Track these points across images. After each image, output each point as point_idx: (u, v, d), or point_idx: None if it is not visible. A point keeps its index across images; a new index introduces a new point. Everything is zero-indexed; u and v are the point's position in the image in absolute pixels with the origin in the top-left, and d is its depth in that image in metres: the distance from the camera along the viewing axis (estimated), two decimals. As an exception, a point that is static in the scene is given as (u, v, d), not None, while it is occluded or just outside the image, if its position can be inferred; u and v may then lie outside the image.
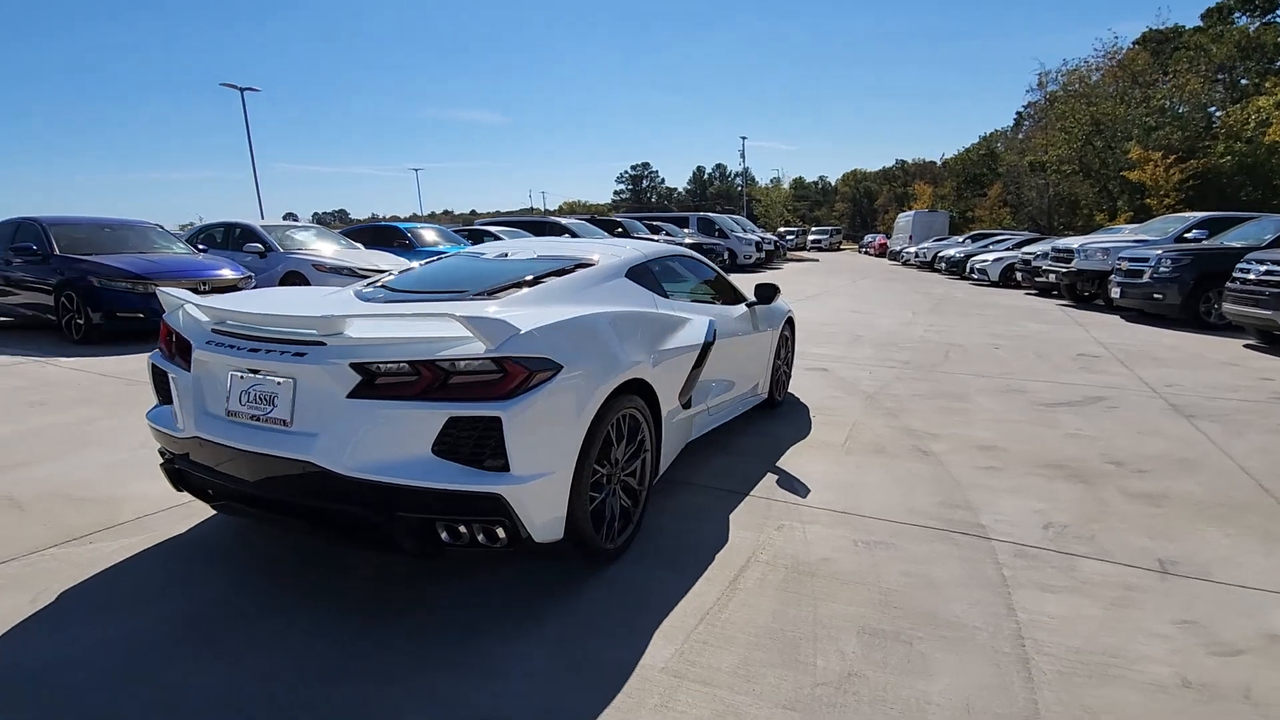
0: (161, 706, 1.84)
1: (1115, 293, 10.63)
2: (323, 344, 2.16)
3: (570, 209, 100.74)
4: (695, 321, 3.45)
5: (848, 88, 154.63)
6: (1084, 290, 12.75)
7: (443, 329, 2.15)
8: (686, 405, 3.24)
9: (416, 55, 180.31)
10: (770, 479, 3.57)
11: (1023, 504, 3.26)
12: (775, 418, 4.73)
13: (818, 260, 31.62)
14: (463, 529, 2.12)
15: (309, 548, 2.75)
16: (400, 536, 2.13)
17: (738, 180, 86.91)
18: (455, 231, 14.71)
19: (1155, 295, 9.79)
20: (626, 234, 18.63)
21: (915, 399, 5.26)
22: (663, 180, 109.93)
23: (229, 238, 10.14)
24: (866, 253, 41.22)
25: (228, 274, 8.04)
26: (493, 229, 15.20)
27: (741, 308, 4.27)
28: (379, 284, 3.26)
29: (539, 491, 2.16)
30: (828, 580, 2.54)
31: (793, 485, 3.48)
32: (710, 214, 23.72)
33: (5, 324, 8.72)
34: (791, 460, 3.87)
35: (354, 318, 2.20)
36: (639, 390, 2.73)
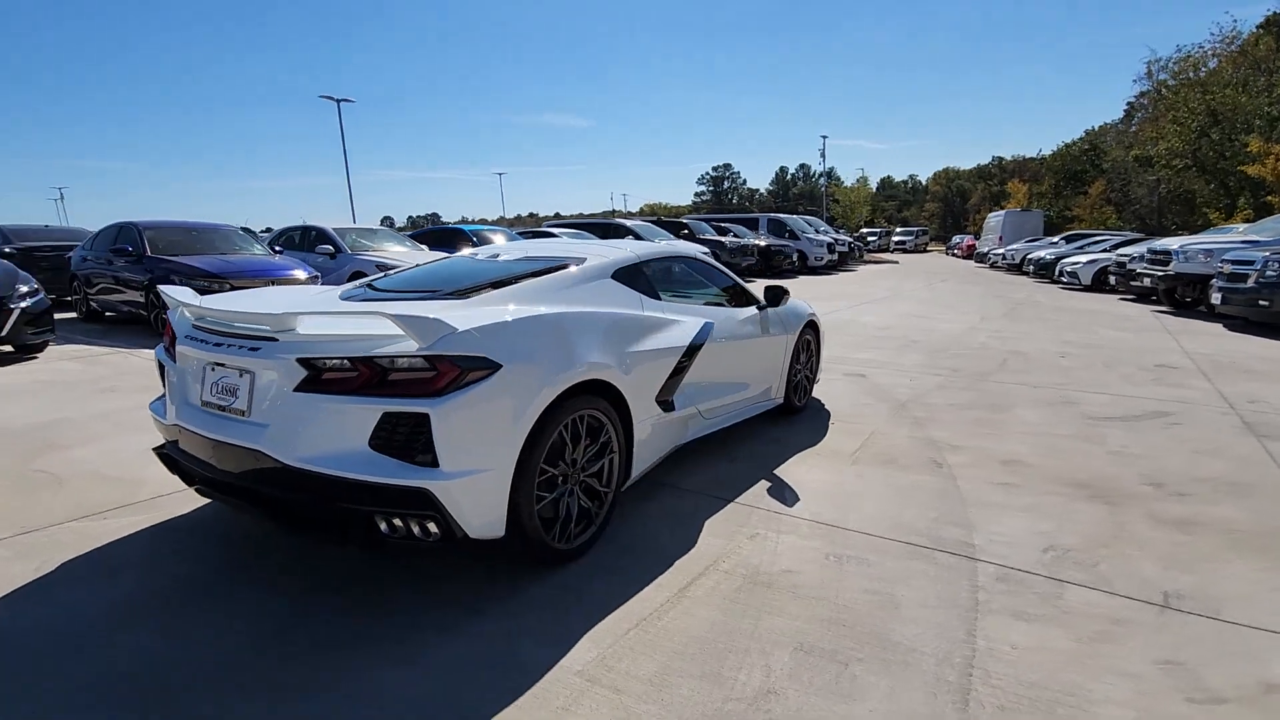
0: (104, 670, 1.99)
1: (1216, 298, 9.70)
2: (275, 339, 2.27)
3: (650, 211, 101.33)
4: (684, 324, 3.40)
5: (941, 84, 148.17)
6: (1184, 296, 11.69)
7: (386, 327, 2.21)
8: (669, 408, 3.20)
9: (505, 64, 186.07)
10: (762, 486, 3.47)
11: (1029, 524, 3.03)
12: (790, 423, 4.59)
13: (898, 263, 30.43)
14: (398, 522, 2.17)
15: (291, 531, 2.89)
16: (343, 528, 2.21)
17: (822, 180, 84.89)
18: (521, 233, 15.09)
19: (1261, 302, 8.86)
20: (692, 235, 18.55)
21: (950, 409, 4.98)
22: (744, 181, 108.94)
23: (304, 240, 10.79)
24: (954, 254, 39.34)
25: (298, 274, 8.54)
26: (555, 230, 15.49)
27: (750, 310, 4.17)
28: (366, 284, 3.39)
29: (471, 488, 2.19)
30: (783, 593, 2.45)
31: (783, 493, 3.37)
32: (781, 215, 23.25)
33: (111, 319, 9.61)
34: (792, 468, 3.75)
35: (306, 315, 2.30)
36: (602, 391, 2.72)
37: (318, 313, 2.32)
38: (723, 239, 18.54)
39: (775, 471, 3.68)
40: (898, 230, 50.63)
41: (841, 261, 24.05)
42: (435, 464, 2.13)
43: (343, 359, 2.16)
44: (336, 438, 2.16)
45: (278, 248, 10.25)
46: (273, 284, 8.14)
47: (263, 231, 14.93)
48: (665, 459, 3.46)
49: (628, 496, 3.28)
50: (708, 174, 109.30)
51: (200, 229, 9.29)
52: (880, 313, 11.11)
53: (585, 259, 3.34)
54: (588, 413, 2.64)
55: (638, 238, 16.36)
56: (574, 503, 2.64)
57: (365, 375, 2.16)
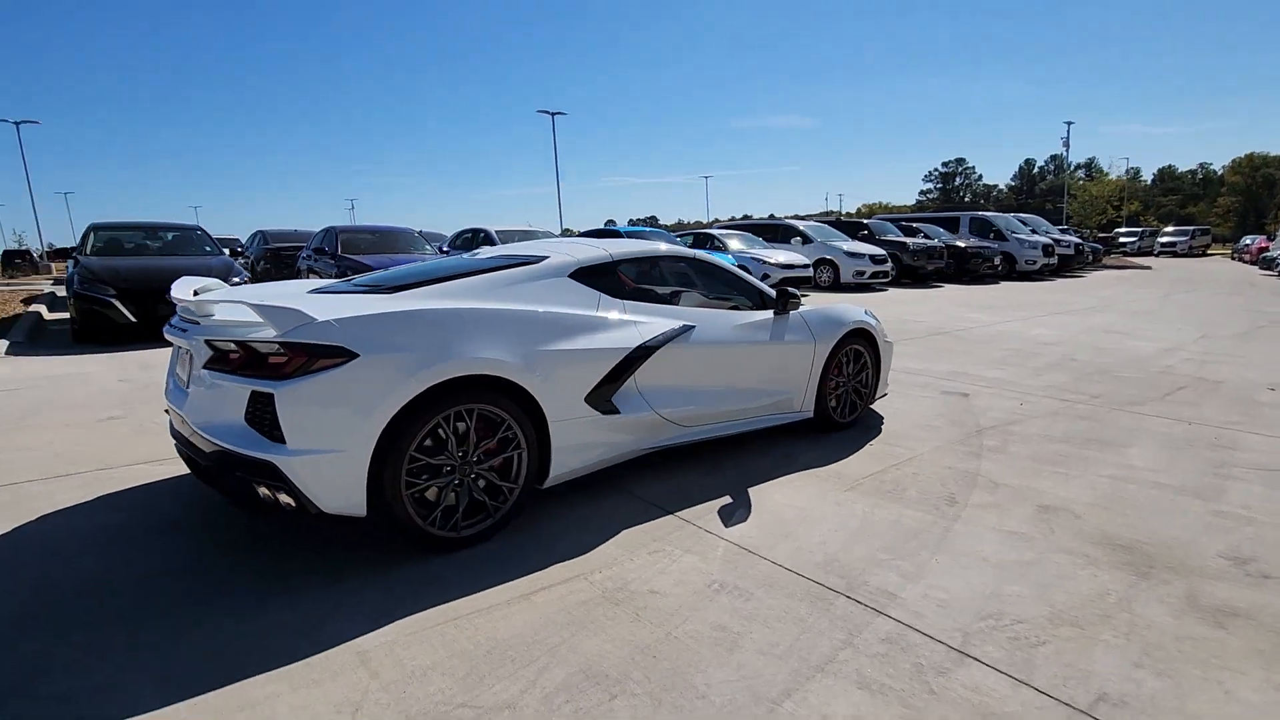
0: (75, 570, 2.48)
1: None
2: (197, 323, 2.64)
3: (869, 211, 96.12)
4: (643, 325, 3.30)
5: (1246, 53, 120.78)
6: None
7: (256, 314, 2.47)
8: (610, 410, 3.12)
9: (731, 69, 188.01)
10: (720, 502, 3.24)
11: (992, 584, 2.49)
12: (819, 440, 4.19)
13: (1150, 268, 25.59)
14: (266, 491, 2.42)
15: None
16: (239, 494, 2.51)
17: (1079, 173, 73.86)
18: (683, 235, 15.31)
19: None
20: (871, 235, 17.34)
21: (1036, 440, 4.19)
22: (979, 176, 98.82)
23: (474, 241, 12.01)
24: (1241, 259, 32.04)
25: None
26: (716, 232, 15.46)
27: (757, 315, 3.89)
28: (351, 281, 3.72)
29: (320, 466, 2.37)
30: (626, 613, 2.30)
31: (733, 513, 3.12)
32: (988, 214, 20.72)
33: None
34: (774, 487, 3.44)
35: (221, 303, 2.65)
36: (502, 387, 2.75)
37: (231, 301, 2.65)
38: (906, 240, 17.08)
39: (750, 489, 3.41)
40: (1168, 230, 42.45)
41: (1065, 265, 20.85)
42: (282, 440, 2.35)
43: (230, 341, 2.46)
44: (225, 410, 2.47)
45: (445, 248, 11.53)
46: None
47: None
48: (636, 460, 3.38)
49: (566, 495, 3.27)
50: (936, 170, 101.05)
51: (384, 231, 10.77)
52: (1061, 326, 9.52)
53: (548, 258, 3.38)
54: (479, 407, 2.70)
55: (806, 239, 15.75)
56: (464, 494, 2.72)
57: (243, 356, 2.43)
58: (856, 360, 4.44)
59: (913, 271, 16.84)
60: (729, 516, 3.08)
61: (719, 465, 3.73)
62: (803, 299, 4.19)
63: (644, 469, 3.64)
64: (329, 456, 2.38)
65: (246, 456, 2.37)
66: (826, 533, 2.92)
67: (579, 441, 3.06)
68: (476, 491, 2.76)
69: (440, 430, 2.62)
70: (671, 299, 3.73)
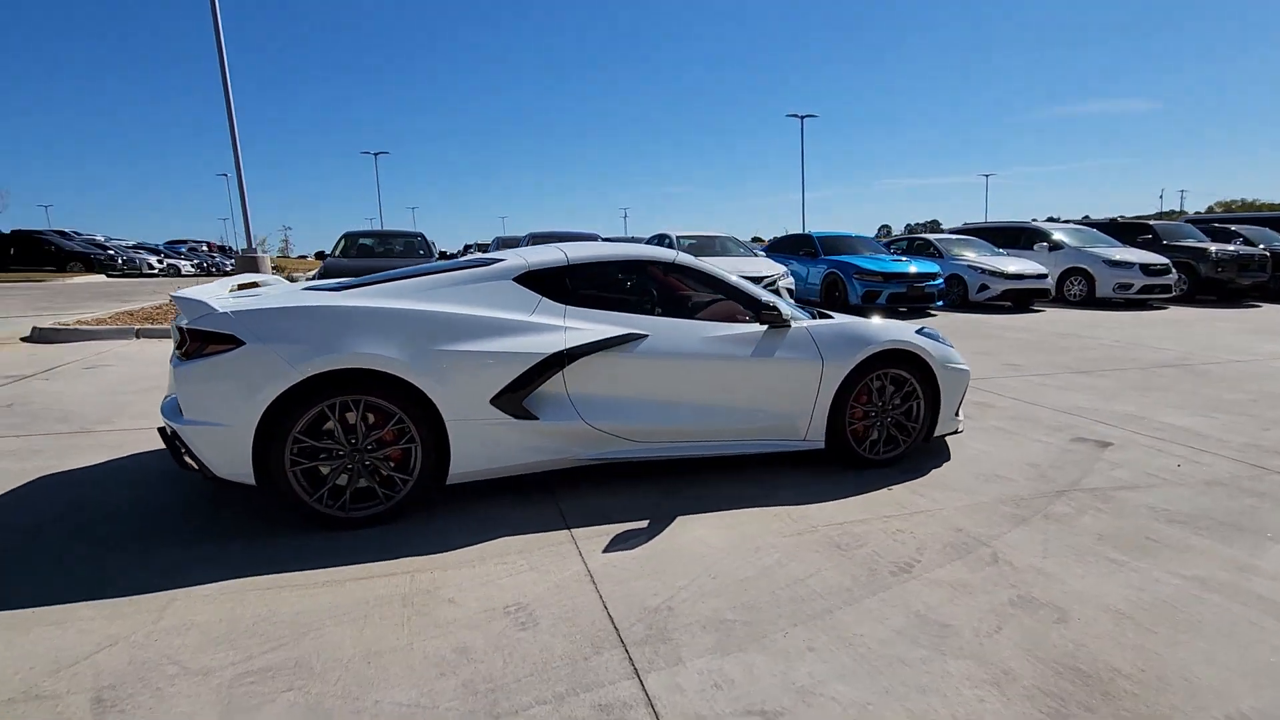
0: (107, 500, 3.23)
1: None
2: (180, 313, 3.20)
3: (1223, 209, 77.19)
4: (574, 331, 3.19)
5: None
6: None
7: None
8: (523, 415, 3.08)
9: (1031, 55, 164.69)
10: (631, 526, 2.99)
11: (812, 683, 1.96)
12: (828, 476, 3.60)
13: None
14: (184, 455, 2.86)
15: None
16: (176, 458, 2.95)
17: None
18: (892, 241, 13.95)
19: None
20: (1156, 240, 13.95)
21: (1143, 513, 3.12)
22: None
23: (660, 244, 12.36)
24: None
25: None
26: (935, 237, 13.75)
27: (741, 328, 3.48)
28: (342, 280, 4.04)
29: (209, 436, 2.74)
30: (404, 615, 2.28)
31: (627, 539, 2.86)
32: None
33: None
34: (707, 519, 3.07)
35: (182, 299, 3.14)
36: (392, 383, 2.88)
37: (179, 297, 3.12)
38: (1207, 246, 13.45)
39: (681, 517, 3.09)
40: None
41: None
42: (181, 412, 2.76)
43: (178, 328, 2.95)
44: (173, 386, 2.98)
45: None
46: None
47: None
48: (587, 470, 3.31)
49: (492, 493, 3.29)
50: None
51: (574, 236, 11.57)
52: (1394, 366, 6.78)
53: (502, 261, 3.42)
54: (367, 399, 2.87)
55: (1055, 246, 13.41)
56: (354, 479, 2.91)
57: (181, 340, 2.90)
58: (899, 388, 3.72)
59: (1218, 286, 13.21)
60: (622, 542, 2.84)
61: (681, 488, 3.43)
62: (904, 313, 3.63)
63: (592, 480, 3.50)
64: (216, 429, 2.75)
65: (167, 425, 2.84)
66: (702, 577, 2.55)
67: (486, 443, 3.07)
68: (367, 478, 2.93)
69: (328, 417, 2.84)
70: (638, 306, 3.51)
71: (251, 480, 2.82)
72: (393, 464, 2.97)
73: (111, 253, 28.01)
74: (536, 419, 3.12)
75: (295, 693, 1.90)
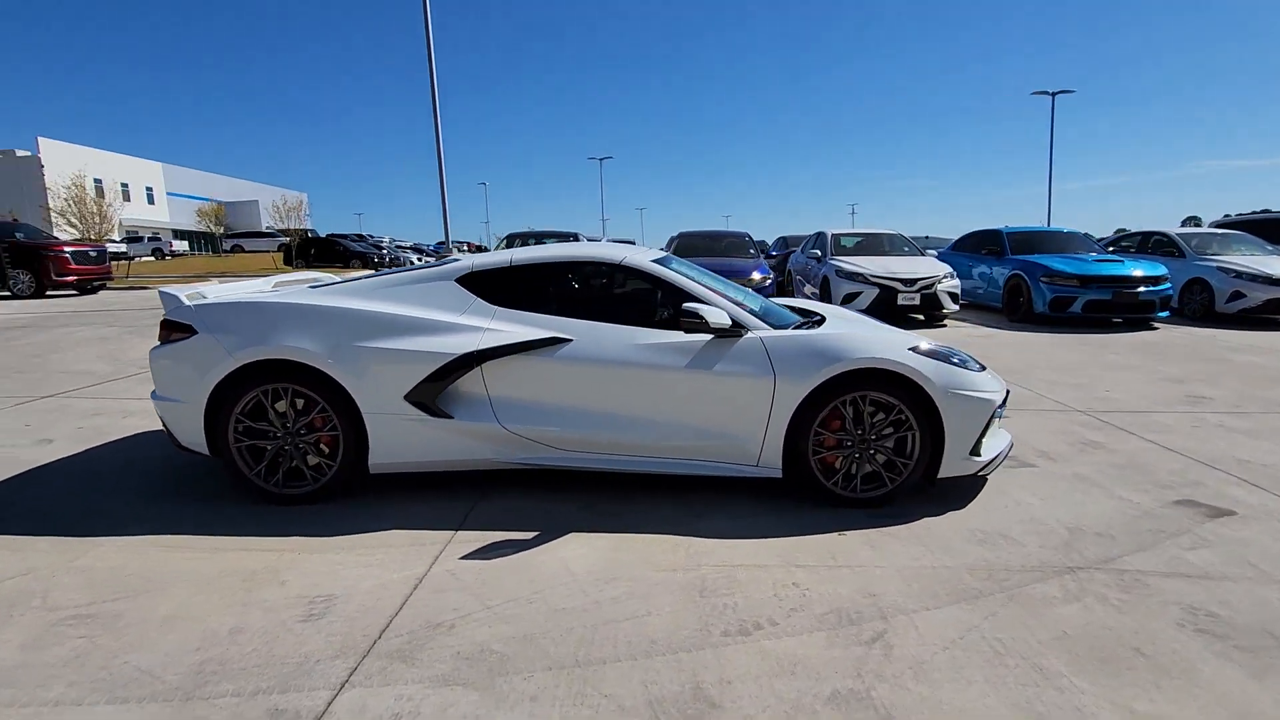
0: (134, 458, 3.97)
1: None
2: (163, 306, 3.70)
3: None
4: (491, 333, 3.18)
5: None
6: None
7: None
8: (435, 413, 3.12)
9: None
10: (513, 536, 2.90)
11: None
12: (783, 510, 3.13)
13: None
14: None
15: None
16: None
17: None
18: (1122, 237, 11.50)
19: None
20: None
21: (1142, 606, 2.28)
22: None
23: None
24: None
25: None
26: (1177, 232, 11.03)
27: (681, 336, 3.15)
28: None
29: (172, 410, 3.20)
30: (238, 597, 2.46)
31: (488, 552, 2.77)
32: None
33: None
34: (584, 541, 2.85)
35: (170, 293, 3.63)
36: (316, 375, 3.11)
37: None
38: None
39: (577, 534, 2.91)
40: None
41: None
42: (155, 389, 3.25)
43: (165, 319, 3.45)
44: None
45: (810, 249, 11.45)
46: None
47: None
48: (524, 475, 3.31)
49: (427, 487, 3.38)
50: None
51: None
52: None
53: (457, 261, 3.49)
54: (293, 387, 3.13)
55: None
56: (286, 460, 3.20)
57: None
58: (886, 415, 3.10)
59: None
60: (486, 552, 2.75)
61: (604, 503, 3.23)
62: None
63: (523, 485, 3.43)
64: (177, 405, 3.20)
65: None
66: (519, 601, 2.39)
67: (401, 437, 3.17)
68: (299, 460, 3.20)
69: (262, 402, 3.16)
70: (577, 309, 3.34)
71: (206, 451, 3.23)
72: (325, 450, 3.21)
73: (384, 251, 33.60)
74: (451, 417, 3.15)
75: (84, 640, 2.16)
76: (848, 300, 9.51)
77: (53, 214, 28.00)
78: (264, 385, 3.14)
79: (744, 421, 3.13)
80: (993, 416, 3.20)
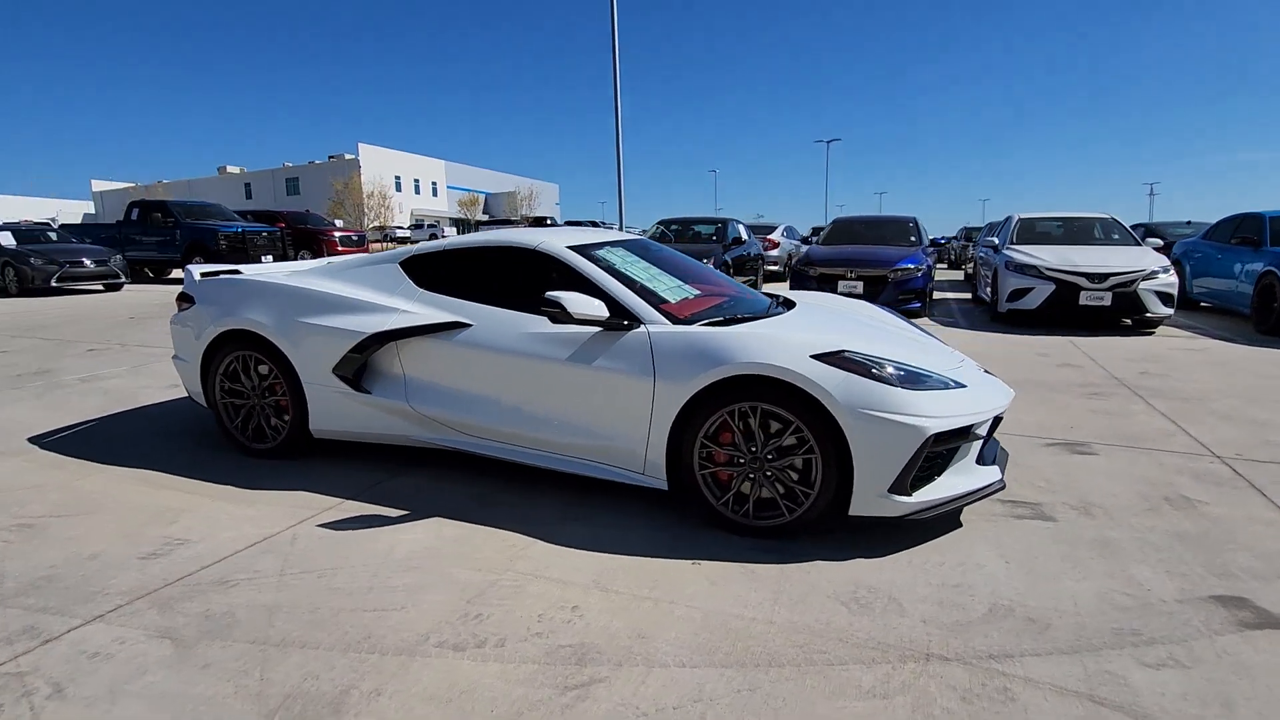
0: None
1: None
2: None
3: None
4: (402, 314, 3.28)
5: None
6: None
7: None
8: (356, 388, 3.30)
9: None
10: (383, 511, 2.98)
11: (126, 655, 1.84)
12: (693, 531, 2.80)
13: None
14: (189, 377, 4.00)
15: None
16: None
17: None
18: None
19: None
20: None
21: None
22: None
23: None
24: None
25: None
26: None
27: (563, 327, 2.94)
28: None
29: (181, 367, 3.81)
30: (124, 527, 2.88)
31: (348, 524, 2.88)
32: None
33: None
34: (443, 528, 2.82)
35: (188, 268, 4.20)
36: (265, 344, 3.47)
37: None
38: None
39: (440, 519, 2.91)
40: None
41: None
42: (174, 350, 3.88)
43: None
44: None
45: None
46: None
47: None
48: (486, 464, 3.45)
49: (348, 453, 3.59)
50: None
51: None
52: None
53: (414, 246, 3.63)
54: (255, 355, 3.52)
55: None
56: (253, 419, 3.63)
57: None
58: (786, 432, 2.61)
59: None
60: (338, 525, 2.85)
61: (501, 495, 3.17)
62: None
63: (441, 466, 3.47)
64: (183, 363, 3.79)
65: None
66: (291, 569, 2.47)
67: (334, 407, 3.40)
68: (262, 419, 3.62)
69: (236, 366, 3.61)
70: (491, 295, 3.25)
71: (204, 403, 3.80)
72: (284, 413, 3.58)
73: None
74: (370, 393, 3.32)
75: (1, 545, 2.70)
76: (1015, 298, 8.03)
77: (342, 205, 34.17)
78: (236, 352, 3.59)
79: (627, 424, 2.85)
80: (937, 446, 2.53)
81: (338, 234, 18.95)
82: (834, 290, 8.35)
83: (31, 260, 12.81)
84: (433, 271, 3.44)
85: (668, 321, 2.92)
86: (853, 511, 2.58)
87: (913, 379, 2.63)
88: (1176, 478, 3.33)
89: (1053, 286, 7.75)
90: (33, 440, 4.00)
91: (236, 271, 3.89)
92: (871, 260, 8.69)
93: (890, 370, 2.60)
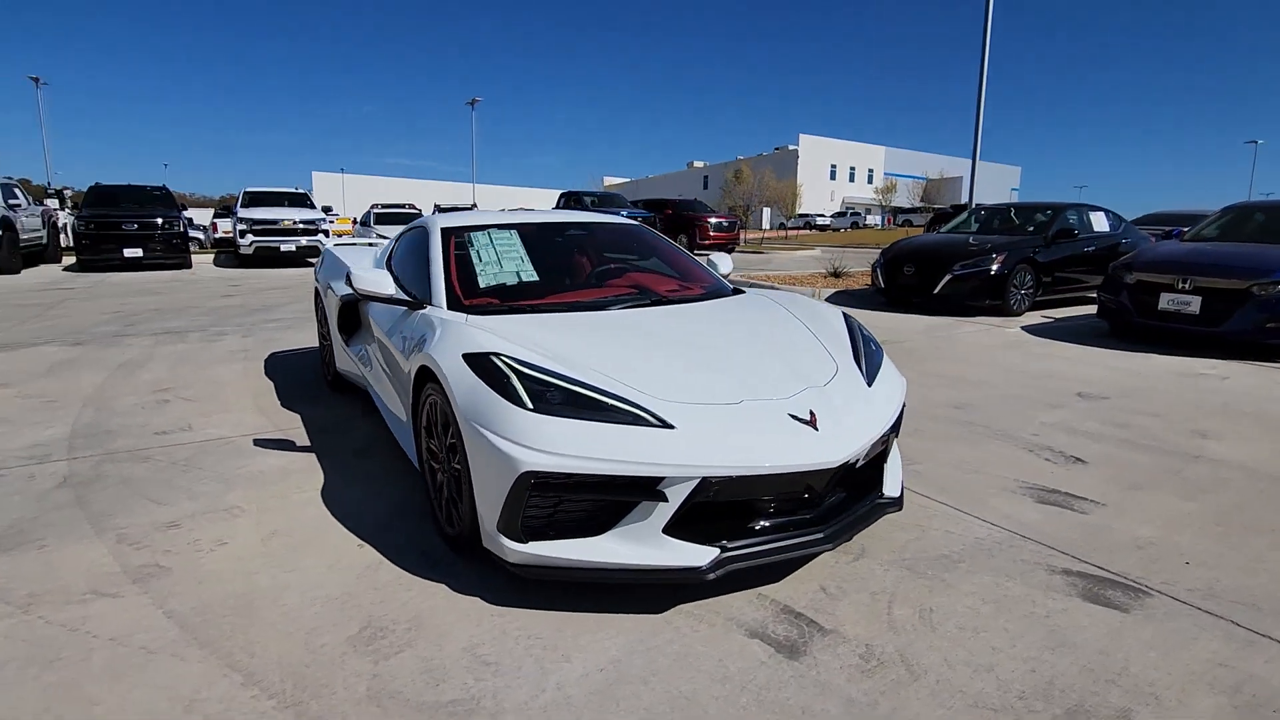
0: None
1: None
2: None
3: None
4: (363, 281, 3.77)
5: None
6: None
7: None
8: (348, 341, 3.98)
9: None
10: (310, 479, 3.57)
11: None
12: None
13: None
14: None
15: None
16: None
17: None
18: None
19: None
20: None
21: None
22: None
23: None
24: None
25: None
26: None
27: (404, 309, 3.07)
28: None
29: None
30: (91, 467, 4.11)
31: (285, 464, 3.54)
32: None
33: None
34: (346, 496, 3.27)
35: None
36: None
37: None
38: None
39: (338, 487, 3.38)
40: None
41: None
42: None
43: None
44: None
45: None
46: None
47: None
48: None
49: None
50: None
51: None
52: None
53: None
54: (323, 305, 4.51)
55: None
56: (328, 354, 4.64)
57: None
58: (448, 432, 2.31)
59: None
60: (279, 470, 3.54)
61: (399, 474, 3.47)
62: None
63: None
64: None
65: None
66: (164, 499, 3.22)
67: (340, 353, 4.14)
68: (329, 355, 4.59)
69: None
70: (405, 273, 3.48)
71: (320, 343, 4.99)
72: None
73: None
74: (349, 348, 3.96)
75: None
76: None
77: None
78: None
79: (402, 403, 2.87)
80: (579, 496, 1.95)
81: (711, 220, 20.50)
82: (1154, 308, 5.73)
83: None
84: (395, 253, 3.90)
85: (444, 307, 2.82)
86: (484, 542, 2.15)
87: (570, 400, 2.02)
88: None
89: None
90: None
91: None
92: (1227, 266, 5.66)
93: (532, 386, 2.06)
